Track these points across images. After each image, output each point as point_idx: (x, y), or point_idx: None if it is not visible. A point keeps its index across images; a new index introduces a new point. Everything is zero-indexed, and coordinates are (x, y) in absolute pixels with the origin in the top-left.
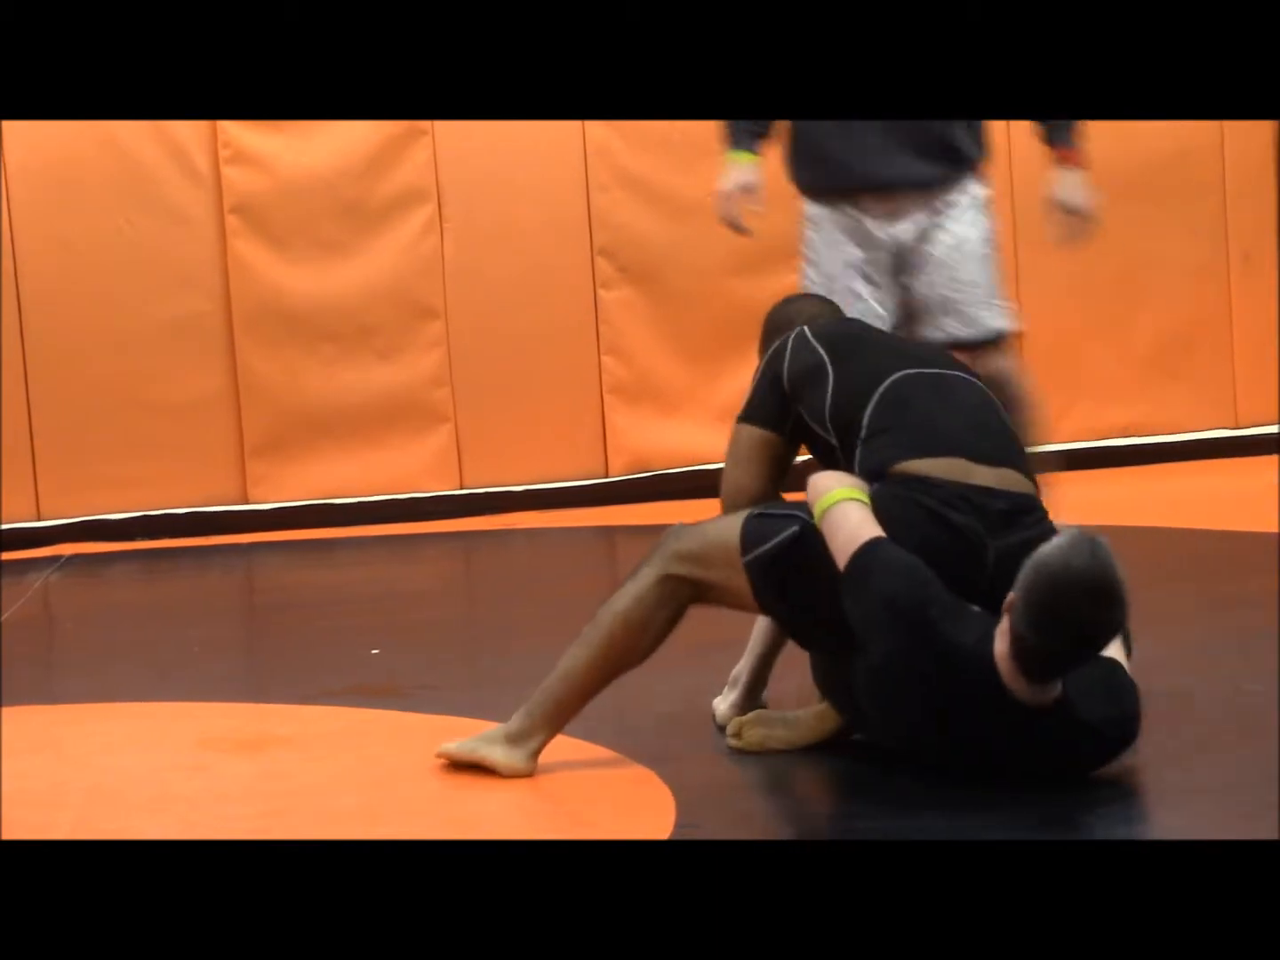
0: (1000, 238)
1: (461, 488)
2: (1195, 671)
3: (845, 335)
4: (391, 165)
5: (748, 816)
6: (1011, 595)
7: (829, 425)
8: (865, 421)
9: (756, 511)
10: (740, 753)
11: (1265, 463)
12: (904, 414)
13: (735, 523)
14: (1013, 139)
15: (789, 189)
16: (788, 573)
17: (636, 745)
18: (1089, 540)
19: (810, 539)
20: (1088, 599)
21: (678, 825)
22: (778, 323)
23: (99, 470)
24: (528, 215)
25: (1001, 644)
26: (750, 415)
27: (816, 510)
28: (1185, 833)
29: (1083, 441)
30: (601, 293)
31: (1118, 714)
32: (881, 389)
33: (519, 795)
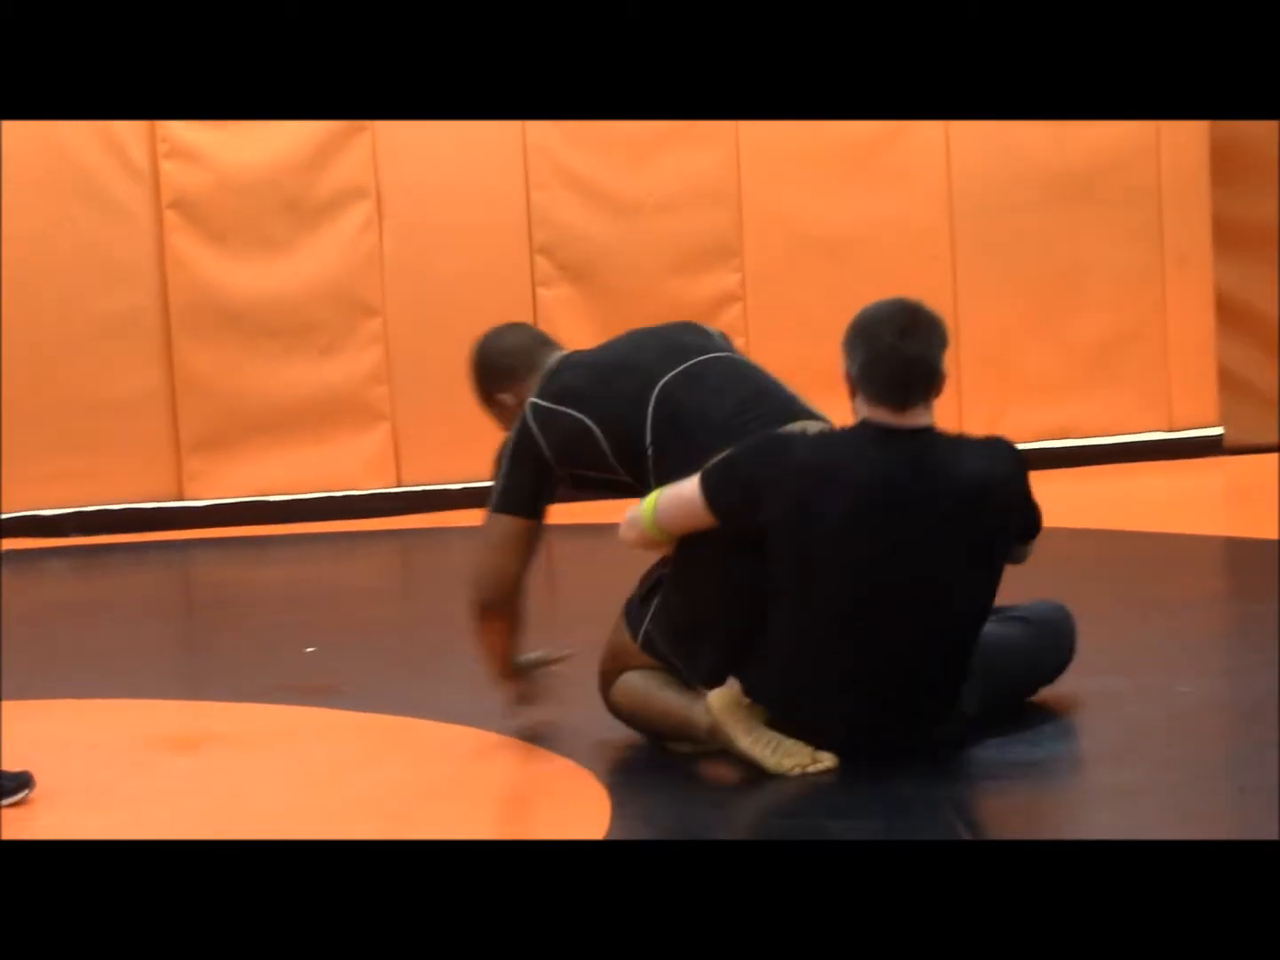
0: (938, 238)
1: (399, 485)
2: (1128, 673)
3: (578, 378)
4: (331, 162)
5: (684, 818)
6: (844, 363)
7: (620, 469)
8: (648, 445)
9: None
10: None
11: (1199, 465)
12: (679, 424)
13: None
14: (951, 143)
15: (729, 187)
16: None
17: (578, 749)
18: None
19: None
20: (892, 307)
21: (612, 825)
22: (489, 367)
23: (34, 466)
24: (467, 213)
25: (856, 409)
26: (506, 506)
27: (646, 519)
28: (1118, 832)
29: (1019, 442)
30: (541, 291)
31: (1004, 471)
32: (651, 408)
33: (455, 795)
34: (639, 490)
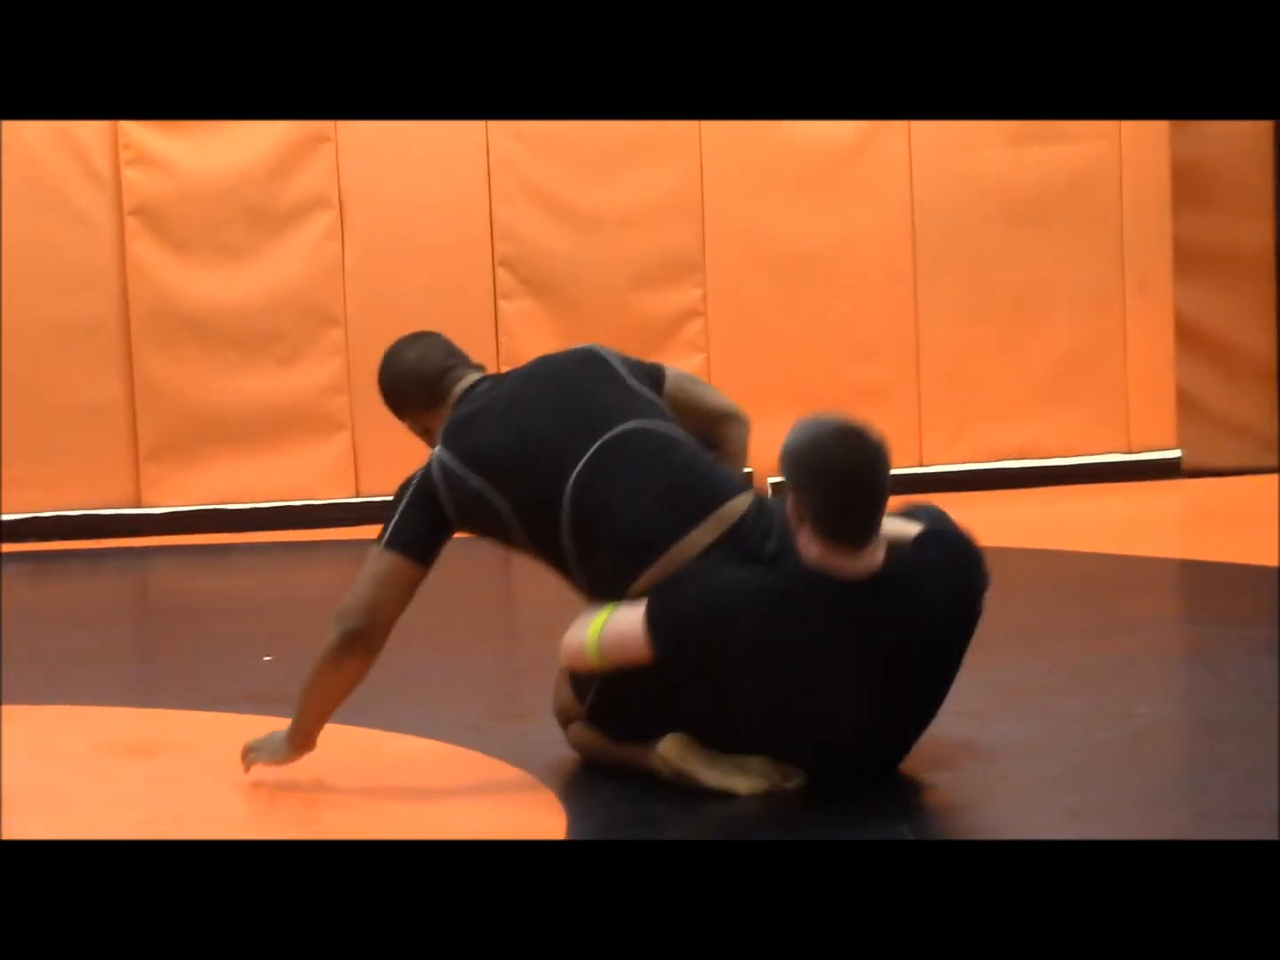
0: (900, 256)
1: (358, 495)
2: (1085, 693)
3: (492, 439)
4: (294, 171)
5: (635, 819)
6: (788, 499)
7: (536, 554)
8: (567, 545)
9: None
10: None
11: (1157, 487)
12: (601, 524)
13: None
14: (914, 162)
15: (692, 203)
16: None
17: (536, 761)
18: (812, 418)
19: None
20: (844, 442)
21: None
22: (393, 391)
23: None
24: (430, 224)
25: (804, 545)
26: (398, 545)
27: (590, 649)
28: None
29: (978, 463)
30: (502, 303)
31: (964, 584)
32: (567, 503)
33: (410, 800)
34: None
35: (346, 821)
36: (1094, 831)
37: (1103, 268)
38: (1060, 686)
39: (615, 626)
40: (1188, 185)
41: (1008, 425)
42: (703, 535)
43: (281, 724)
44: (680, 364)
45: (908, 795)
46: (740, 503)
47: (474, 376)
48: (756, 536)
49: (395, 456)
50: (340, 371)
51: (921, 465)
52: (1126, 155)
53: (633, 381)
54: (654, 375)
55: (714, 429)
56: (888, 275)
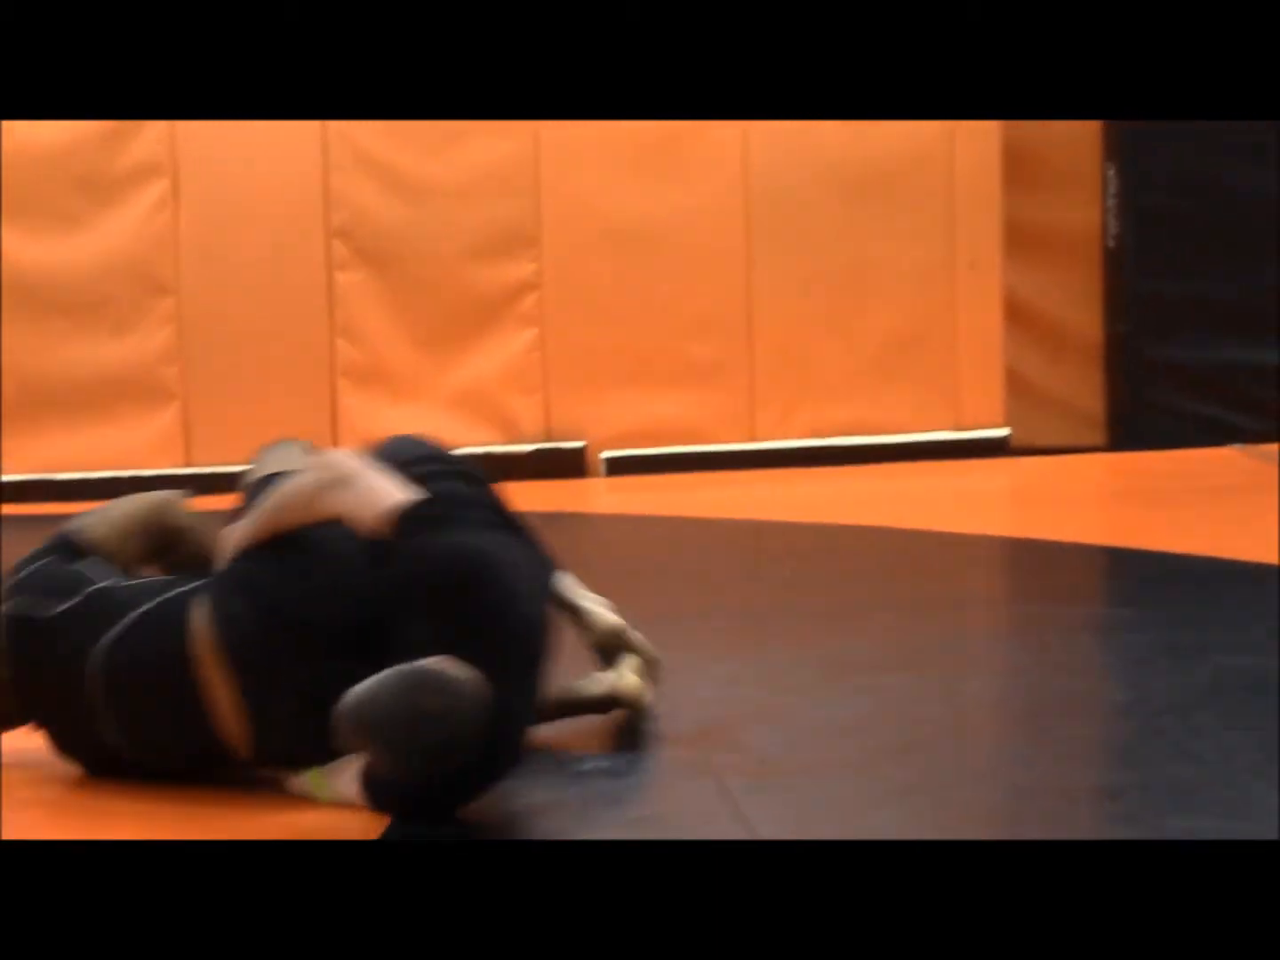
0: (734, 232)
1: (188, 466)
2: (911, 670)
3: None
4: (126, 139)
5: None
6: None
7: None
8: None
9: None
10: None
11: (986, 465)
12: None
13: None
14: (749, 138)
15: (527, 175)
16: None
17: None
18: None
19: None
20: (418, 711)
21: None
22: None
23: None
24: (264, 193)
25: None
26: None
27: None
28: (897, 831)
29: (809, 439)
30: (337, 274)
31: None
32: None
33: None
34: None
35: (163, 817)
36: (917, 807)
37: (933, 246)
38: (887, 663)
39: None
40: (1017, 166)
41: (839, 402)
42: None
43: None
44: (514, 337)
45: (731, 769)
46: None
47: None
48: None
49: (226, 427)
50: (172, 341)
51: (754, 441)
52: (958, 136)
53: None
54: None
55: None
56: (721, 251)
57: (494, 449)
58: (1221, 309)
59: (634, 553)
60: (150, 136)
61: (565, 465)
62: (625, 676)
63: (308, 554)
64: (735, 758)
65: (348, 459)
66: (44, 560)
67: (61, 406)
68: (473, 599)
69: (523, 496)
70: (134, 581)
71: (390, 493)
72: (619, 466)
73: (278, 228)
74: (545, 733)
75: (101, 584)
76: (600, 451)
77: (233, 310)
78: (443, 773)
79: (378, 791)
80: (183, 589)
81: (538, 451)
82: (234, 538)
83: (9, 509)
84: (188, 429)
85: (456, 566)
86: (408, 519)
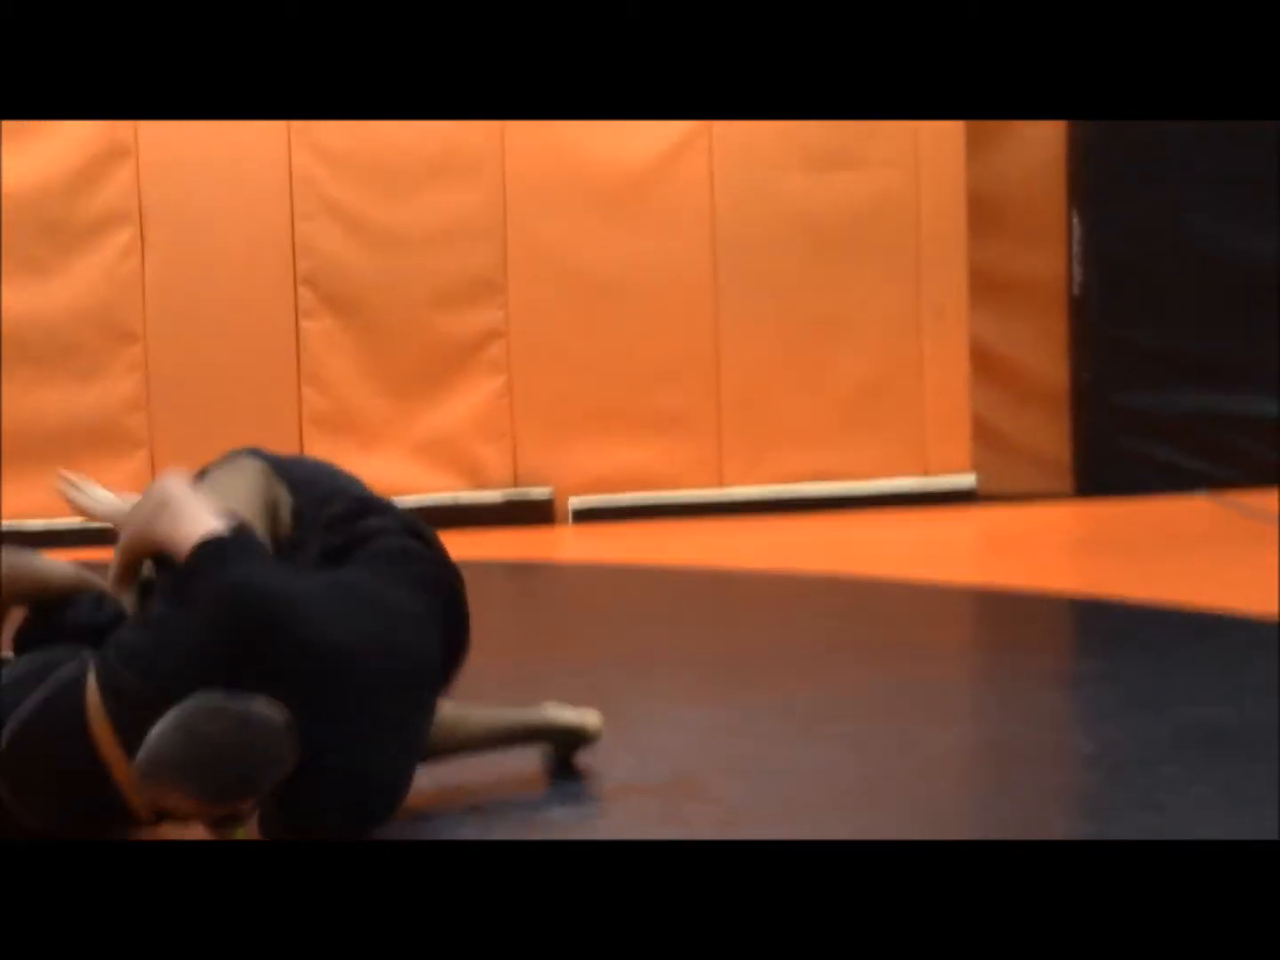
0: (701, 280)
1: None
2: (878, 718)
3: None
4: (93, 185)
5: None
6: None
7: None
8: None
9: None
10: None
11: (952, 513)
12: None
13: None
14: (715, 185)
15: (494, 223)
16: None
17: None
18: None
19: None
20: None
21: None
22: None
23: None
24: (231, 241)
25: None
26: None
27: None
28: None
29: (775, 485)
30: (303, 322)
31: None
32: None
33: None
34: None
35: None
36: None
37: (900, 294)
38: (855, 712)
39: None
40: (983, 214)
41: (806, 450)
42: None
43: None
44: (482, 385)
45: (701, 820)
46: None
47: None
48: None
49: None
50: (139, 387)
51: (721, 488)
52: (924, 183)
53: None
54: None
55: None
56: (689, 298)
57: (461, 496)
58: (1187, 356)
59: (602, 601)
60: (117, 183)
61: (533, 513)
62: (587, 714)
63: (172, 605)
64: (704, 807)
65: (172, 485)
66: None
67: (29, 454)
68: (257, 635)
69: (490, 544)
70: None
71: (197, 524)
72: (587, 514)
73: (244, 275)
74: (510, 774)
75: None
76: (568, 498)
77: (200, 357)
78: (248, 796)
79: (264, 824)
80: (66, 669)
81: (505, 499)
82: (109, 583)
83: None
84: (155, 476)
85: (234, 605)
86: (201, 553)
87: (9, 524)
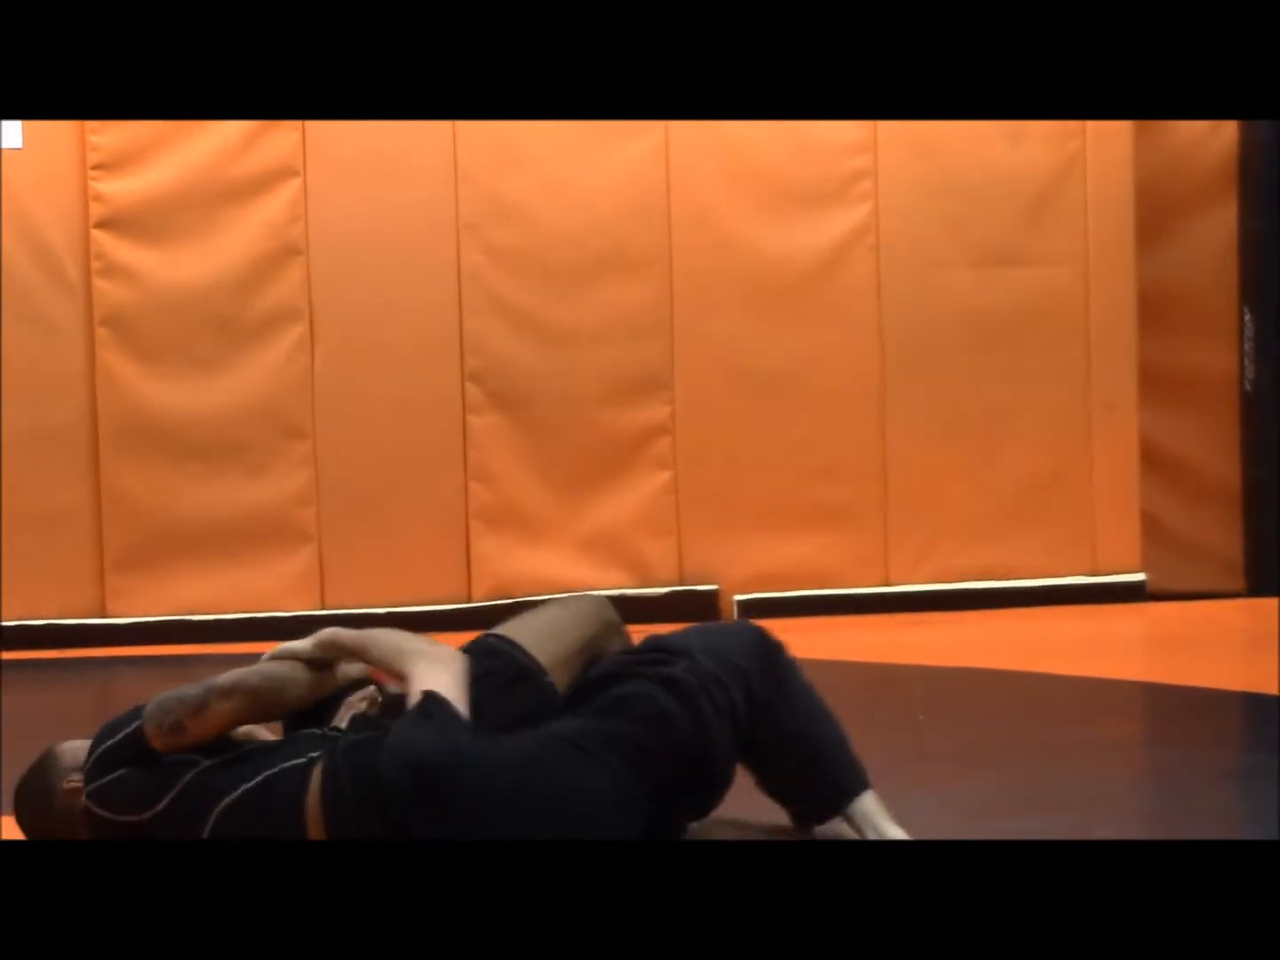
0: (867, 375)
1: (323, 608)
2: (1044, 814)
3: None
4: (264, 283)
5: None
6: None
7: None
8: None
9: None
10: None
11: (1122, 610)
12: None
13: None
14: (882, 281)
15: (661, 319)
16: None
17: None
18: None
19: None
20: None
21: None
22: None
23: None
24: (399, 338)
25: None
26: None
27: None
28: None
29: (944, 583)
30: (470, 418)
31: None
32: None
33: None
34: None
35: None
36: None
37: (1069, 390)
38: (1017, 806)
39: None
40: (1153, 310)
41: (974, 546)
42: None
43: None
44: (648, 480)
45: None
46: None
47: None
48: None
49: (361, 569)
50: (308, 483)
51: (888, 585)
52: (1093, 278)
53: None
54: None
55: None
56: (855, 394)
57: (626, 591)
58: None
59: None
60: (287, 281)
61: (698, 608)
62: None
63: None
64: None
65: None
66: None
67: (198, 548)
68: (403, 803)
69: None
70: (214, 761)
71: (424, 679)
72: (752, 609)
73: (412, 371)
74: None
75: (188, 776)
76: (733, 594)
77: (367, 453)
78: None
79: None
80: (297, 760)
81: (670, 594)
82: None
83: (150, 650)
84: (323, 570)
85: (392, 765)
86: (392, 704)
87: (178, 617)
